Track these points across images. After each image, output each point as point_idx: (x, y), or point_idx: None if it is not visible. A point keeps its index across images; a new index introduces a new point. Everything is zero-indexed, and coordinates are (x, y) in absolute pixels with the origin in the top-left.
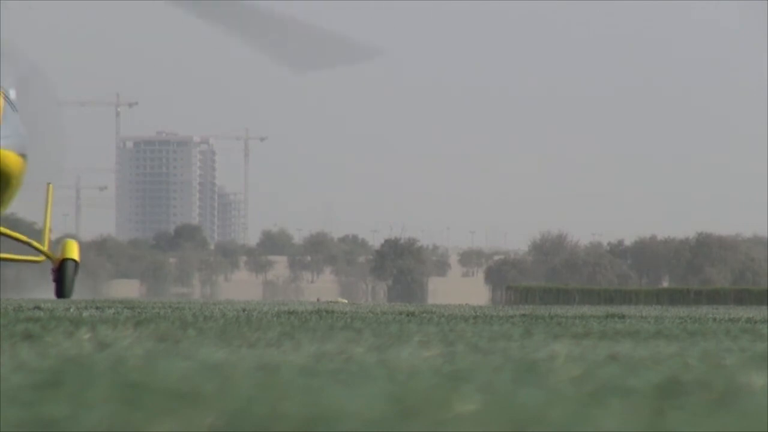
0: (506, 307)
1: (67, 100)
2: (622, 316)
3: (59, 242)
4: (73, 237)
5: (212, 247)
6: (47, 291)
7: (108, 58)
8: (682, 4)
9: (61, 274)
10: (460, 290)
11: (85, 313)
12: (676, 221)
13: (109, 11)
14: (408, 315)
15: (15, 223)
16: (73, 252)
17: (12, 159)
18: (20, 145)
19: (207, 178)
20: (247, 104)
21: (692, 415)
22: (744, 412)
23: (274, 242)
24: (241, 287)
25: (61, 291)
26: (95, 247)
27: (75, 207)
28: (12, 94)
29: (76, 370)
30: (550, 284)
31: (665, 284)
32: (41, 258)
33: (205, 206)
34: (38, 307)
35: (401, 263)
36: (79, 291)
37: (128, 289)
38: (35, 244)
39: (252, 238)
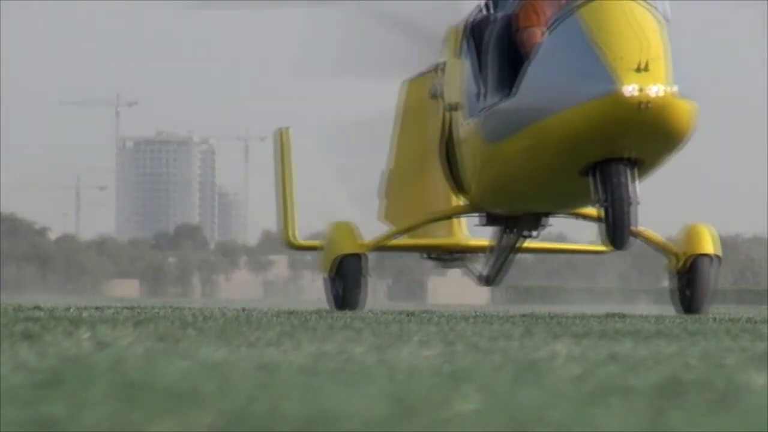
0: (506, 306)
1: (67, 100)
2: (623, 316)
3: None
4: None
5: (212, 246)
6: (48, 292)
7: (108, 58)
8: (683, 4)
9: (692, 277)
10: (460, 290)
11: (85, 313)
12: (676, 221)
13: (109, 11)
14: (408, 315)
15: (14, 224)
16: (707, 243)
17: (687, 112)
18: (692, 87)
19: (207, 178)
20: (247, 104)
21: (692, 414)
22: (744, 411)
23: (274, 242)
24: (241, 287)
25: (694, 304)
26: (95, 247)
27: (75, 207)
28: (668, 9)
29: (75, 369)
30: (551, 284)
31: (665, 284)
32: (607, 249)
33: (205, 206)
34: (38, 307)
35: (401, 263)
36: (79, 291)
37: (128, 288)
38: (660, 240)
39: (252, 238)
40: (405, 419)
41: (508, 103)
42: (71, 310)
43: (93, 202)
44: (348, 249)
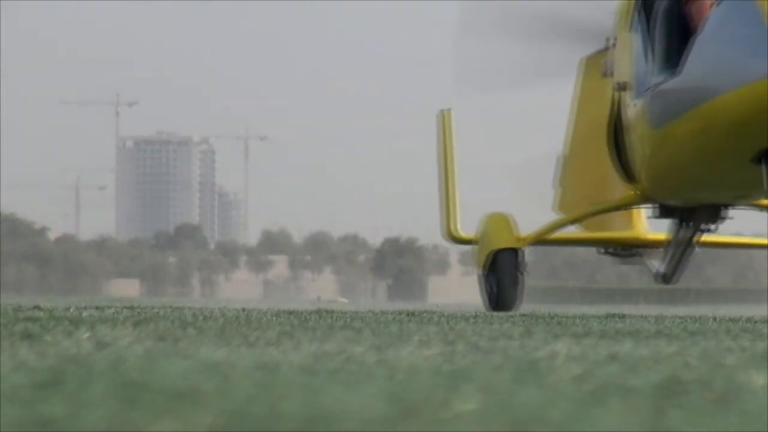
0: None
1: (67, 100)
2: (623, 316)
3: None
4: None
5: (212, 246)
6: (48, 292)
7: (108, 58)
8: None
9: None
10: (460, 289)
11: (85, 313)
12: None
13: (108, 10)
14: (408, 314)
15: (14, 224)
16: None
17: None
18: None
19: (207, 178)
20: (247, 104)
21: (692, 414)
22: (744, 411)
23: (274, 241)
24: (241, 287)
25: None
26: (95, 247)
27: (75, 206)
28: None
29: (75, 369)
30: (551, 283)
31: None
32: None
33: (205, 206)
34: (38, 307)
35: (401, 262)
36: (79, 291)
37: (128, 288)
38: None
39: (252, 238)
40: (405, 419)
41: (672, 83)
42: (71, 310)
43: (93, 202)
44: (503, 243)
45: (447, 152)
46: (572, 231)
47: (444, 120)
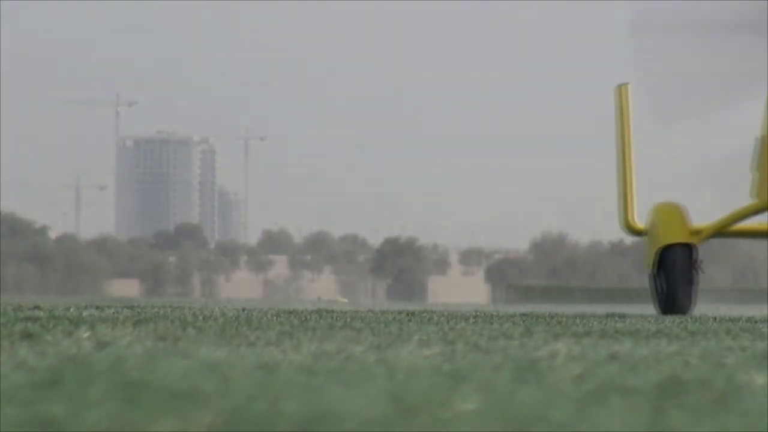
0: (506, 305)
1: (67, 99)
2: (623, 315)
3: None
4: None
5: (212, 246)
6: (48, 292)
7: (108, 57)
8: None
9: None
10: (460, 289)
11: (85, 313)
12: None
13: (108, 10)
14: (408, 314)
15: (14, 224)
16: None
17: None
18: None
19: (207, 178)
20: (247, 104)
21: (692, 414)
22: (745, 411)
23: (274, 241)
24: (241, 287)
25: None
26: (95, 247)
27: (75, 206)
28: None
29: (75, 368)
30: (551, 283)
31: None
32: None
33: (205, 205)
34: (38, 307)
35: (401, 262)
36: (80, 291)
37: (128, 288)
38: None
39: (252, 238)
40: (405, 419)
41: None
42: (71, 310)
43: (93, 201)
44: (673, 237)
45: (624, 132)
46: (762, 222)
47: (621, 96)
